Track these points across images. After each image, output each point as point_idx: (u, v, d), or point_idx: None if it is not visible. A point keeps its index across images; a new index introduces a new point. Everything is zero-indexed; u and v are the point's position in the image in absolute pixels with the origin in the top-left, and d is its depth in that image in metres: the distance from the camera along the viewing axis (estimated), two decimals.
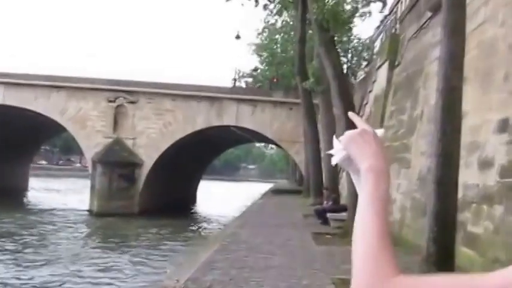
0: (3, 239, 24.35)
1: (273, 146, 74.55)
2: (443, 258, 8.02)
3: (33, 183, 62.17)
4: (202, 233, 28.47)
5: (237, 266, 10.40)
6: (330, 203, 20.75)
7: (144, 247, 22.83)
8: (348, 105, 16.09)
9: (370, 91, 22.78)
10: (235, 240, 14.48)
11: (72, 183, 63.94)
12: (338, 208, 19.90)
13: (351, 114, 1.36)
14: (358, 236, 1.11)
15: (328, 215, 19.36)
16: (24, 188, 57.18)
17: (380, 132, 1.30)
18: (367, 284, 1.02)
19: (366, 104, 24.51)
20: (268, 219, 21.75)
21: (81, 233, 29.01)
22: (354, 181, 1.24)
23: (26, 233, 27.15)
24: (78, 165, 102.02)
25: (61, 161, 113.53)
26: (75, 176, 72.79)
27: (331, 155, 1.32)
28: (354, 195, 15.60)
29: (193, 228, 32.59)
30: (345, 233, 15.70)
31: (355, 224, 1.14)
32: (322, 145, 30.20)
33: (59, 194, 55.59)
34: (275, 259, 11.41)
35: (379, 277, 1.02)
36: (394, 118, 18.48)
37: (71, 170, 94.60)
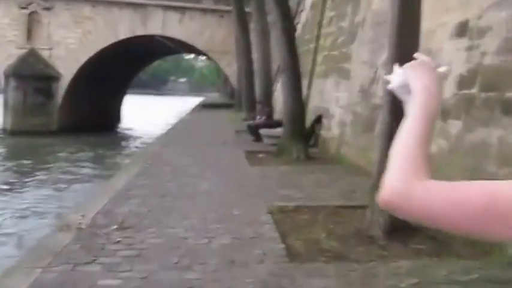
0: None
1: (203, 57, 72.94)
2: None
3: None
4: (124, 153, 27.20)
5: (158, 193, 9.36)
6: (264, 118, 19.77)
7: (56, 171, 21.44)
8: (284, 10, 14.85)
9: None
10: (157, 162, 13.40)
11: None
12: (272, 123, 18.98)
13: (417, 55, 1.34)
14: (399, 139, 1.18)
15: (262, 131, 18.43)
16: None
17: (444, 68, 1.33)
18: (397, 182, 1.10)
19: (302, 10, 23.30)
20: (197, 136, 20.69)
21: None
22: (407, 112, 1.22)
23: None
24: None
25: None
26: None
27: (388, 81, 1.36)
28: (289, 109, 14.67)
29: (115, 147, 31.21)
30: (280, 151, 14.86)
31: (399, 131, 1.19)
32: (255, 55, 29.12)
33: None
34: (203, 184, 10.42)
35: (409, 177, 1.10)
36: (333, 25, 17.40)
37: None
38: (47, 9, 38.31)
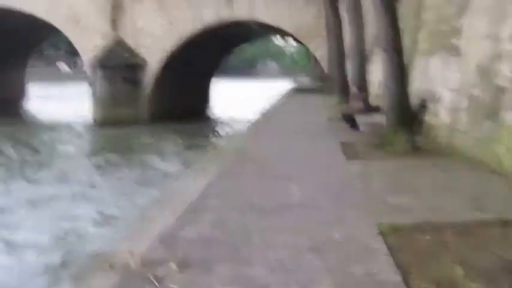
0: None
1: (292, 40, 71.22)
2: None
3: (34, 90, 59.47)
4: (210, 144, 25.50)
5: (239, 205, 7.42)
6: (360, 103, 17.53)
7: (135, 166, 20.16)
8: None
9: None
10: (242, 158, 11.49)
11: (77, 88, 61.21)
12: (369, 109, 16.79)
13: None
14: None
15: (358, 117, 16.26)
16: (22, 97, 54.45)
17: None
18: None
19: None
20: (286, 124, 18.75)
21: (72, 147, 26.32)
22: None
23: (10, 149, 24.75)
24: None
25: (65, 65, 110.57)
26: (80, 80, 69.99)
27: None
28: (392, 93, 12.51)
29: (202, 137, 29.58)
30: (382, 142, 12.70)
31: None
32: (347, 37, 26.91)
33: (61, 101, 53.03)
34: (293, 189, 8.42)
35: None
36: None
37: (77, 74, 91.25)
38: None
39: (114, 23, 37.39)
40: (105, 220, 12.91)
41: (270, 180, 9.22)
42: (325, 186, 8.68)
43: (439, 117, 13.42)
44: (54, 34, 45.47)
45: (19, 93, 54.69)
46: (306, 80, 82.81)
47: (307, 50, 46.89)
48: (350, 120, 16.73)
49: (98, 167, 20.17)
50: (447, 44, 13.47)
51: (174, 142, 26.72)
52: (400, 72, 12.44)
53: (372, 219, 6.66)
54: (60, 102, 52.21)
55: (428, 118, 14.13)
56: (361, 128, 15.88)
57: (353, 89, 19.57)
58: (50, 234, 11.91)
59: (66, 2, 37.73)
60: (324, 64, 37.61)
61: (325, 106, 25.81)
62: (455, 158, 11.16)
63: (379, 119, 15.64)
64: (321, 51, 37.38)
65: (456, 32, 13.05)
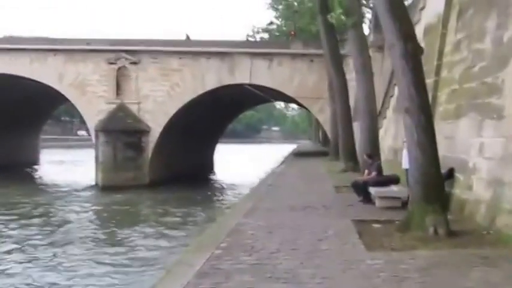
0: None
1: (294, 105, 69.08)
2: None
3: (47, 156, 57.53)
4: (209, 215, 22.31)
5: None
6: (374, 173, 14.44)
7: (125, 243, 17.26)
8: (405, 27, 9.72)
9: (417, 22, 16.48)
10: (234, 246, 8.39)
11: (89, 154, 58.88)
12: (384, 180, 13.79)
13: None
14: None
15: (372, 190, 13.25)
16: (34, 162, 52.03)
17: None
18: None
19: None
20: (289, 196, 15.60)
21: (73, 213, 23.53)
22: None
23: (13, 212, 23.09)
24: None
25: (80, 132, 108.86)
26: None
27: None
28: (419, 163, 9.55)
29: (202, 205, 26.33)
30: (407, 222, 9.66)
31: None
32: (352, 99, 24.26)
33: (71, 166, 50.61)
34: None
35: None
36: (464, 49, 12.16)
37: (90, 141, 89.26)
38: (135, 63, 35.27)
39: (119, 89, 35.06)
40: None
41: (266, 282, 6.25)
42: None
43: (474, 191, 10.41)
44: (67, 101, 43.07)
45: (32, 158, 52.09)
46: (308, 144, 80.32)
47: (309, 113, 44.41)
48: (362, 192, 13.71)
49: (84, 238, 17.48)
50: (481, 104, 10.57)
51: (166, 211, 23.78)
52: (428, 138, 9.47)
53: None
54: (71, 167, 49.93)
55: (459, 191, 11.13)
56: (376, 201, 12.87)
57: (366, 157, 16.49)
58: None
59: (72, 70, 35.43)
60: (327, 127, 34.92)
61: (330, 173, 22.81)
62: (504, 246, 8.15)
63: (398, 191, 12.72)
64: (324, 114, 34.87)
65: (494, 89, 10.14)
